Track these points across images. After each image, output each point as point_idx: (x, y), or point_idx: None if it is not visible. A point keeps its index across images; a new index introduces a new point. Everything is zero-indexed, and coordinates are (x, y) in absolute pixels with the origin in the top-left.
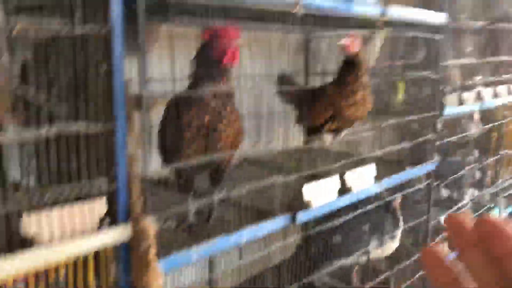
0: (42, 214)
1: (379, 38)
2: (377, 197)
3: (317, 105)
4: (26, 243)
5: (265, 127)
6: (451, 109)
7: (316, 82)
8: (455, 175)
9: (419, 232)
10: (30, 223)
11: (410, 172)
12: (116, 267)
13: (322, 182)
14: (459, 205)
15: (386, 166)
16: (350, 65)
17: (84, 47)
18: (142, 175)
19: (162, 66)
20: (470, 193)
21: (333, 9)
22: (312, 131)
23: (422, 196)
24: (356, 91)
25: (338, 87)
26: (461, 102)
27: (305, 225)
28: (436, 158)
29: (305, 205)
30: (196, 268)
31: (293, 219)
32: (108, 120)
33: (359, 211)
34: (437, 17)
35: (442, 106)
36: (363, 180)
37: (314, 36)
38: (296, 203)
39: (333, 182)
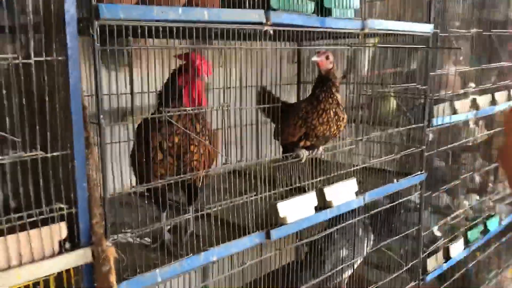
0: None
1: (368, 48)
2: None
3: (291, 122)
4: None
5: (250, 138)
6: (443, 119)
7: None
8: (452, 182)
9: (412, 241)
10: None
11: (395, 185)
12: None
13: (299, 198)
14: (457, 212)
15: (376, 178)
16: (323, 81)
17: (41, 76)
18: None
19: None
20: (471, 200)
21: (305, 26)
22: (288, 146)
23: (415, 206)
24: (329, 109)
25: (310, 104)
26: (454, 111)
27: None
28: (425, 169)
29: (280, 222)
30: (190, 276)
31: (268, 236)
32: (66, 146)
33: (341, 225)
34: (424, 28)
35: (430, 117)
36: (344, 195)
37: (305, 46)
38: (271, 220)
39: (310, 197)
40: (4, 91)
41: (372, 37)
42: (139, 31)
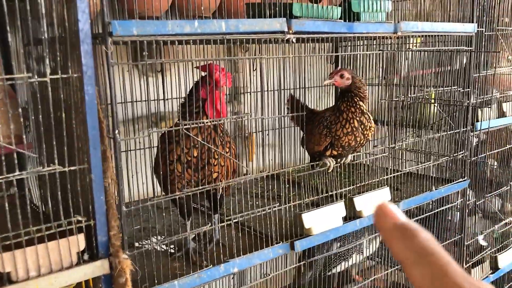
0: (18, 251)
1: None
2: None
3: (316, 131)
4: (2, 280)
5: (287, 143)
6: (489, 123)
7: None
8: (502, 188)
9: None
10: (6, 261)
11: (434, 193)
12: None
13: (325, 208)
14: (509, 219)
15: (416, 184)
16: (343, 93)
17: (58, 92)
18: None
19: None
20: None
21: (331, 32)
22: (316, 155)
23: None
24: (352, 118)
25: (334, 114)
26: (503, 114)
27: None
28: (468, 175)
29: (305, 233)
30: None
31: (292, 247)
32: (84, 159)
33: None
34: (466, 28)
35: (474, 121)
36: (376, 204)
37: (342, 46)
38: (296, 230)
39: (338, 207)
40: (19, 109)
41: (414, 38)
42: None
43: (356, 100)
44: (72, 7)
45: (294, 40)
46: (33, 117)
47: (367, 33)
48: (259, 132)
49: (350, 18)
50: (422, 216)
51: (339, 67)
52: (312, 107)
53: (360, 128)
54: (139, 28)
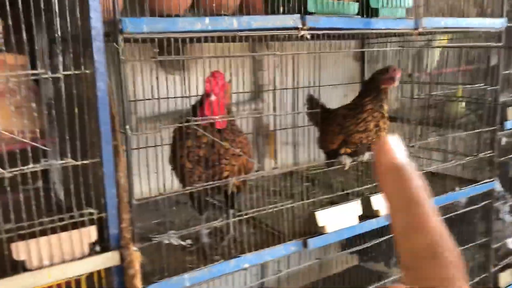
0: (32, 241)
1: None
2: None
3: (329, 129)
4: (17, 268)
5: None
6: None
7: None
8: None
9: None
10: (20, 249)
11: (458, 194)
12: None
13: (340, 206)
14: None
15: (440, 184)
16: (378, 94)
17: (71, 88)
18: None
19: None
20: None
21: (347, 29)
22: (331, 153)
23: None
24: (370, 121)
25: (351, 111)
26: None
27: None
28: (495, 175)
29: (319, 231)
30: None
31: (305, 244)
32: (96, 154)
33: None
34: (493, 23)
35: (503, 120)
36: None
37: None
38: (310, 229)
39: (354, 206)
40: (33, 104)
41: (442, 34)
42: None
43: (383, 104)
44: (84, 5)
45: (308, 37)
46: (52, 112)
47: (386, 29)
48: (282, 129)
49: (368, 14)
50: (446, 216)
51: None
52: (337, 106)
53: (374, 130)
54: (149, 25)
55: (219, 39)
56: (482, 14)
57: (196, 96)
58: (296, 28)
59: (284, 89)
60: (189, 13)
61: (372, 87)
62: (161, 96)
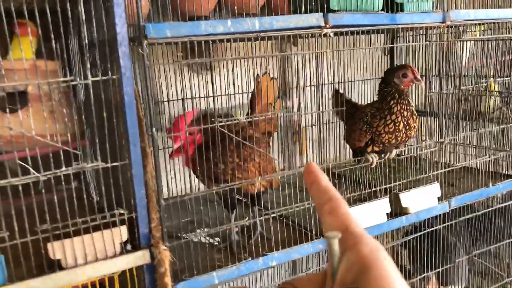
0: (67, 240)
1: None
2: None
3: (356, 127)
4: (53, 266)
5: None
6: None
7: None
8: None
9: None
10: (56, 249)
11: (490, 190)
12: (143, 285)
13: (367, 204)
14: None
15: (472, 179)
16: (399, 93)
17: (100, 93)
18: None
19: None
20: None
21: (372, 25)
22: (358, 150)
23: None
24: (400, 121)
25: (380, 111)
26: None
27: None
28: None
29: None
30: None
31: None
32: (125, 156)
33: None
34: None
35: None
36: (424, 200)
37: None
38: None
39: (382, 204)
40: (64, 109)
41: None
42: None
43: (409, 101)
44: (110, 12)
45: (331, 34)
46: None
47: (412, 24)
48: (313, 126)
49: (393, 9)
50: (480, 213)
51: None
52: (365, 101)
53: (404, 129)
54: (172, 30)
55: (242, 39)
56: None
57: (221, 95)
58: (319, 27)
59: (311, 86)
60: (215, 13)
61: (392, 89)
62: (188, 96)
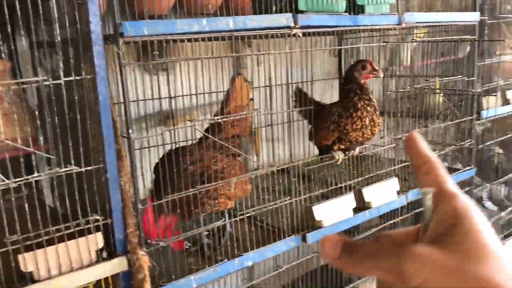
0: (39, 251)
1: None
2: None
3: (323, 126)
4: (25, 279)
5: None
6: (495, 111)
7: None
8: (507, 175)
9: None
10: (28, 261)
11: None
12: None
13: (335, 200)
14: None
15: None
16: (361, 89)
17: (72, 94)
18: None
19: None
20: None
21: (337, 26)
22: (324, 148)
23: None
24: (365, 117)
25: (345, 110)
26: (507, 101)
27: None
28: (474, 164)
29: (316, 225)
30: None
31: (304, 239)
32: (99, 159)
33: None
34: (469, 17)
35: (479, 109)
36: (385, 195)
37: (346, 39)
38: (308, 223)
39: (348, 199)
40: (21, 112)
41: (418, 29)
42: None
43: (371, 97)
44: (83, 9)
45: (300, 35)
46: (49, 119)
47: (372, 26)
48: (267, 126)
49: (355, 11)
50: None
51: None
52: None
53: (369, 125)
54: (149, 28)
55: (196, 39)
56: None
57: (181, 96)
58: (289, 27)
59: (263, 87)
60: (172, 12)
61: (353, 84)
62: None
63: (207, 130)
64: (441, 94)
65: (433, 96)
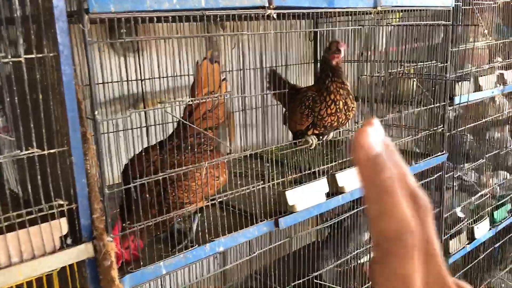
0: (0, 237)
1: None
2: None
3: (297, 111)
4: None
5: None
6: (467, 97)
7: None
8: (478, 161)
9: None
10: None
11: (413, 168)
12: (83, 283)
13: (308, 185)
14: (484, 191)
15: None
16: (333, 71)
17: (33, 73)
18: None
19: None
20: (499, 177)
21: (312, 8)
22: (298, 132)
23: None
24: (339, 100)
25: (319, 94)
26: (479, 88)
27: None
28: (446, 149)
29: (289, 210)
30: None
31: (276, 224)
32: (63, 142)
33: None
34: (444, 2)
35: (452, 95)
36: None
37: (322, 22)
38: (280, 207)
39: (321, 184)
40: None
41: (393, 12)
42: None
43: (343, 80)
44: None
45: (275, 16)
46: (8, 99)
47: (348, 8)
48: (241, 111)
49: None
50: None
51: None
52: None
53: (343, 109)
54: (116, 4)
55: (166, 19)
56: None
57: (150, 79)
58: (263, 7)
59: (236, 70)
60: None
61: (326, 67)
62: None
63: (177, 127)
64: (415, 80)
65: (407, 81)
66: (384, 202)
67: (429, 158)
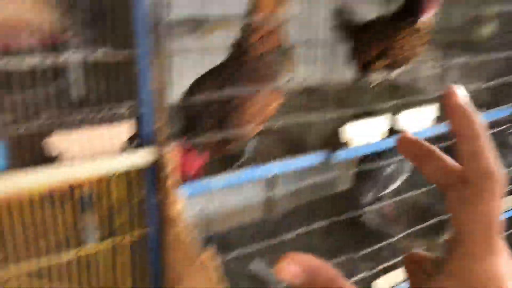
0: (67, 133)
1: None
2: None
3: (367, 36)
4: (51, 160)
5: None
6: None
7: None
8: None
9: None
10: (56, 141)
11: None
12: (143, 188)
13: (367, 121)
14: None
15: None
16: (412, 11)
17: None
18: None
19: None
20: None
21: None
22: (363, 68)
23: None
24: (409, 35)
25: (392, 25)
26: None
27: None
28: None
29: (344, 144)
30: (255, 186)
31: (331, 155)
32: (130, 46)
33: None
34: None
35: None
36: (420, 121)
37: None
38: (335, 141)
39: (380, 122)
40: None
41: None
42: None
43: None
44: None
45: None
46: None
47: None
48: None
49: None
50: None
51: None
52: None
53: (414, 43)
54: None
55: None
56: None
57: None
58: None
59: None
60: None
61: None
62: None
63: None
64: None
65: (484, 26)
66: (477, 145)
67: (500, 107)
